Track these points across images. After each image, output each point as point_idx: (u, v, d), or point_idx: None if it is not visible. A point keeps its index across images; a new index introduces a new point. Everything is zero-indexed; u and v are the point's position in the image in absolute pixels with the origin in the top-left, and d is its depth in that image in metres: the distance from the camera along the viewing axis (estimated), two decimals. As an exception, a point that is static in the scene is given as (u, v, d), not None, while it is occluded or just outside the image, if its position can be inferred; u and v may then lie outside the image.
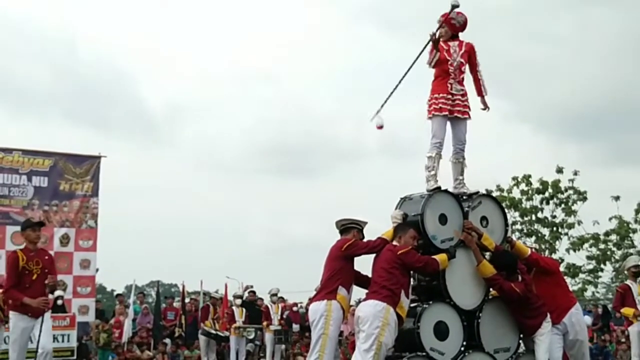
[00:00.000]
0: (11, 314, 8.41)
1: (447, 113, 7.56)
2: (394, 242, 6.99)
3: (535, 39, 48.36)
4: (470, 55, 7.80)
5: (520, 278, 7.36)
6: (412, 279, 7.54)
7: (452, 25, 7.75)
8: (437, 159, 7.60)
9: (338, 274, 7.05)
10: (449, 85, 7.58)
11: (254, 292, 19.42)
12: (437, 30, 7.52)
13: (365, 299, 6.93)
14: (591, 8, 48.67)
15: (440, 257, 6.97)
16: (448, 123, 7.69)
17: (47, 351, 8.25)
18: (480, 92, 7.94)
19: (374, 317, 6.63)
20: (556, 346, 7.51)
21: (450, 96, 7.57)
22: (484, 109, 8.02)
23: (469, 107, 7.74)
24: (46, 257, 8.65)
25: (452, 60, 7.62)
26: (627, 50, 49.31)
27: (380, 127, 7.64)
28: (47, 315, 8.53)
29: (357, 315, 6.84)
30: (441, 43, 7.61)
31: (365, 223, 7.43)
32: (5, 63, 67.79)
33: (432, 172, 7.55)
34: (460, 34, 7.91)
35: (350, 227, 7.31)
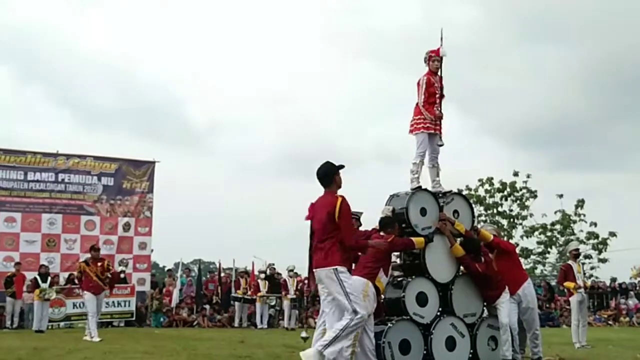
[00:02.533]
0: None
1: (432, 131, 7.52)
2: (382, 233, 6.93)
3: (495, 70, 48.22)
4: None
5: (483, 259, 7.35)
6: (398, 259, 7.53)
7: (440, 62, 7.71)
8: (420, 165, 7.53)
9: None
10: (435, 110, 7.53)
11: (274, 268, 19.46)
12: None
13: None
14: (539, 45, 48.55)
15: (418, 239, 6.91)
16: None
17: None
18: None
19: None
20: (512, 312, 7.47)
21: (435, 119, 7.52)
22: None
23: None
24: None
25: (438, 91, 7.58)
26: (566, 79, 49.16)
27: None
28: None
29: None
30: (430, 77, 7.58)
31: (361, 213, 7.38)
32: (81, 87, 68.11)
33: (416, 175, 7.49)
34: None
35: (350, 218, 7.26)
